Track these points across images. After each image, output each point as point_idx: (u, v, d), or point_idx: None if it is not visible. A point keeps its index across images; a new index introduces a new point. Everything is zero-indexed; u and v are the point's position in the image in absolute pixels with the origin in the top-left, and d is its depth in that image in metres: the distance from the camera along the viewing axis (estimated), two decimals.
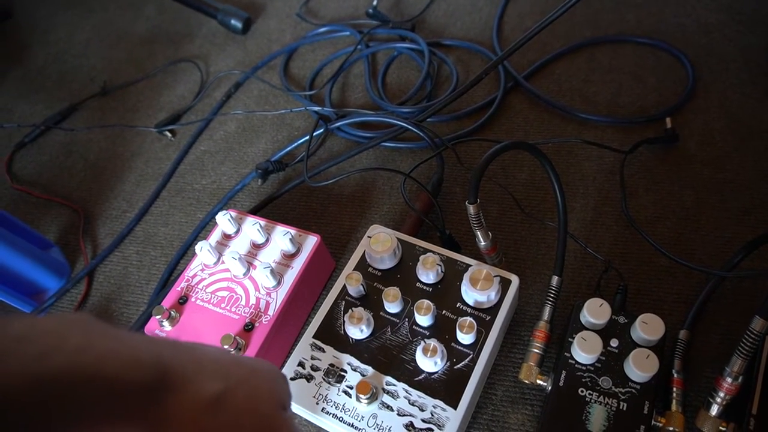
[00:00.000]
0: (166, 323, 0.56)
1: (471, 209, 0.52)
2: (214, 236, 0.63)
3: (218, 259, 0.61)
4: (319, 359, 0.52)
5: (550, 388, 0.49)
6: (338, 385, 0.50)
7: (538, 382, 0.50)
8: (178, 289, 0.59)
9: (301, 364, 0.52)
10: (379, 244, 0.55)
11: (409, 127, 0.69)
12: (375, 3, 0.95)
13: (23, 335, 0.22)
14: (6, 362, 0.21)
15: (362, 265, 0.57)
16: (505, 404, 0.53)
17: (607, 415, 0.45)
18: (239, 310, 0.57)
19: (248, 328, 0.55)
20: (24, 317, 0.25)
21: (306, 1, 1.06)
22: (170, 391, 0.26)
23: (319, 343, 0.53)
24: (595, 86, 0.78)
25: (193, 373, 0.27)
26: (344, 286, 0.56)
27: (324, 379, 0.50)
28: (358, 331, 0.51)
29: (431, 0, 0.98)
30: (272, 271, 0.56)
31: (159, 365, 0.26)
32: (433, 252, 0.56)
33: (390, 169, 0.70)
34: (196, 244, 0.68)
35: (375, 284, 0.56)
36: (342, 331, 0.53)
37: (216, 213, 0.74)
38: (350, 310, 0.52)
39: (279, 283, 0.58)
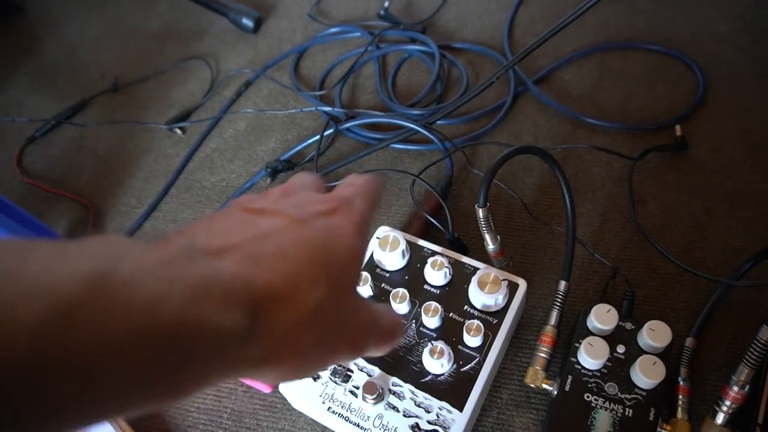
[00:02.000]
0: None
1: (480, 213, 0.52)
2: None
3: None
4: None
5: (555, 392, 0.49)
6: (345, 384, 0.50)
7: (544, 386, 0.50)
8: None
9: None
10: (388, 245, 0.56)
11: (420, 129, 0.70)
12: (386, 4, 0.95)
13: (132, 279, 0.20)
14: (120, 309, 0.20)
15: (370, 266, 0.57)
16: (510, 408, 0.53)
17: (612, 421, 0.46)
18: None
19: None
20: (127, 246, 0.22)
21: (317, 1, 1.06)
22: (265, 319, 0.24)
23: None
24: (605, 92, 0.78)
25: (288, 289, 0.25)
26: None
27: (330, 379, 0.51)
28: None
29: (442, 3, 0.98)
30: None
31: (253, 303, 0.24)
32: (442, 254, 0.57)
33: (399, 170, 0.70)
34: None
35: (383, 285, 0.56)
36: None
37: None
38: None
39: None
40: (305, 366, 0.27)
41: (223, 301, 0.23)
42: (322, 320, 0.27)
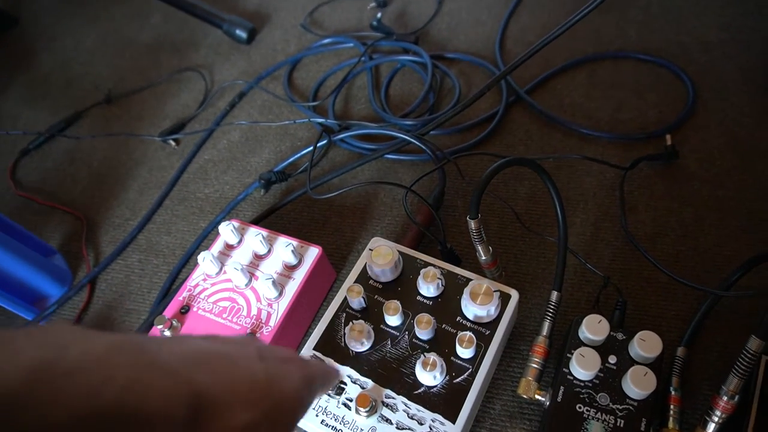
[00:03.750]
0: (167, 333, 0.57)
1: (472, 224, 0.52)
2: (217, 246, 0.64)
3: (220, 269, 0.61)
4: None
5: (548, 403, 0.49)
6: (338, 397, 0.50)
7: (537, 397, 0.50)
8: (180, 298, 0.60)
9: None
10: (381, 256, 0.56)
11: (412, 140, 0.70)
12: (379, 15, 0.96)
13: (75, 367, 0.22)
14: (57, 401, 0.21)
15: (363, 278, 0.58)
16: (503, 419, 0.54)
17: None
18: (241, 321, 0.57)
19: None
20: (75, 334, 0.24)
21: (310, 12, 1.07)
22: (203, 422, 0.26)
23: (319, 355, 0.53)
24: (596, 102, 0.79)
25: (226, 402, 0.28)
26: (345, 299, 0.56)
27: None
28: (358, 343, 0.52)
29: (435, 13, 0.99)
30: (274, 282, 0.57)
31: (196, 398, 0.26)
32: (434, 265, 0.57)
33: (392, 183, 0.70)
34: (198, 253, 0.69)
35: (376, 297, 0.56)
36: (342, 344, 0.53)
37: (218, 222, 0.75)
38: (351, 323, 0.52)
39: (280, 294, 0.58)
40: None
41: (164, 390, 0.25)
42: None
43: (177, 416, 0.25)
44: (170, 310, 0.59)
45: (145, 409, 0.24)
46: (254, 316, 0.57)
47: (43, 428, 0.21)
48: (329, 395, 0.50)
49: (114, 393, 0.23)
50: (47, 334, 0.24)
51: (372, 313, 0.55)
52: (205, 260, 0.60)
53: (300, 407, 0.33)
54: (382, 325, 0.54)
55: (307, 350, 0.53)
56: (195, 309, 0.59)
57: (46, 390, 0.21)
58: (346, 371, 0.52)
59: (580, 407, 0.47)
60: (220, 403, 0.27)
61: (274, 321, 0.56)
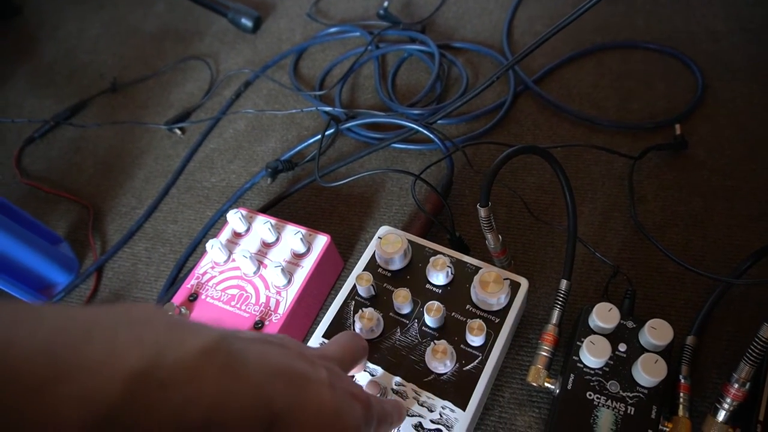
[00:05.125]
0: None
1: (482, 212, 0.52)
2: (225, 234, 0.64)
3: (229, 257, 0.61)
4: None
5: (557, 391, 0.49)
6: None
7: (546, 385, 0.50)
8: (189, 286, 0.60)
9: None
10: (390, 245, 0.56)
11: (421, 129, 0.70)
12: (386, 4, 0.95)
13: (169, 379, 0.22)
14: (150, 419, 0.21)
15: (372, 266, 0.58)
16: (512, 406, 0.54)
17: (614, 419, 0.46)
18: (249, 308, 0.57)
19: (258, 326, 0.55)
20: (172, 333, 0.24)
21: (316, 1, 1.06)
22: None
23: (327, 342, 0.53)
24: (604, 91, 0.79)
25: (296, 426, 0.29)
26: (354, 286, 0.56)
27: None
28: (367, 331, 0.52)
29: (442, 2, 0.99)
30: (283, 270, 0.57)
31: (272, 418, 0.27)
32: (443, 254, 0.57)
33: (401, 171, 0.70)
34: (205, 241, 0.69)
35: (385, 285, 0.56)
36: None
37: (225, 211, 0.75)
38: (360, 311, 0.52)
39: (289, 282, 0.58)
40: None
41: (246, 408, 0.25)
42: None
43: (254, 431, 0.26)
44: (179, 298, 0.59)
45: (226, 426, 0.24)
46: (263, 304, 0.57)
47: None
48: None
49: (200, 411, 0.23)
50: (146, 328, 0.24)
51: (381, 301, 0.55)
52: (214, 248, 0.60)
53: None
54: (391, 313, 0.54)
55: (317, 338, 0.53)
56: (203, 297, 0.59)
57: (141, 406, 0.21)
58: None
59: (590, 395, 0.47)
60: (295, 426, 0.28)
61: (283, 309, 0.56)
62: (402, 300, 0.53)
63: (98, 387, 0.20)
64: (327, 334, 0.54)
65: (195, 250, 0.72)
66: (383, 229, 0.59)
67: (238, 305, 0.57)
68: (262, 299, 0.57)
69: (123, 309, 0.25)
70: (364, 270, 0.57)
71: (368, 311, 0.52)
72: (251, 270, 0.59)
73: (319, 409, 0.30)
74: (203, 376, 0.24)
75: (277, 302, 0.57)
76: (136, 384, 0.21)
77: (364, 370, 0.51)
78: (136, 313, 0.24)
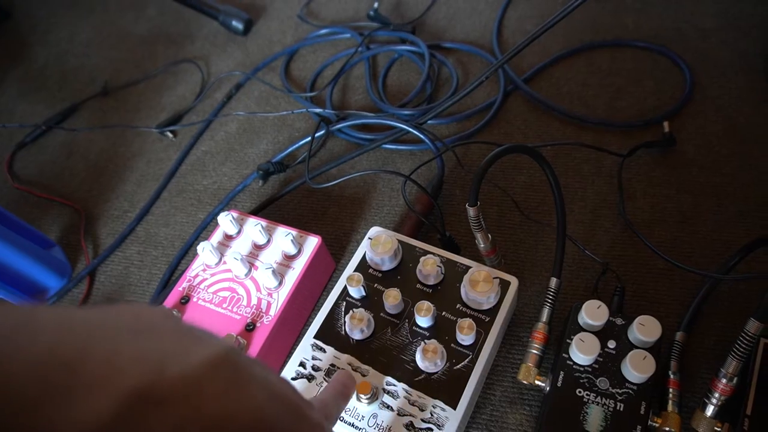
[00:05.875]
0: None
1: (471, 212, 0.52)
2: (216, 237, 0.64)
3: (220, 259, 0.61)
4: (320, 359, 0.52)
5: (548, 388, 0.49)
6: None
7: (537, 382, 0.50)
8: (180, 289, 0.60)
9: (302, 365, 0.52)
10: (380, 245, 0.56)
11: (411, 129, 0.70)
12: (376, 5, 0.96)
13: (168, 395, 0.21)
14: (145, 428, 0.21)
15: (363, 267, 0.58)
16: (503, 404, 0.54)
17: (604, 416, 0.46)
18: (241, 310, 0.57)
19: (250, 328, 0.56)
20: (179, 342, 0.24)
21: (307, 2, 1.06)
22: None
23: (320, 343, 0.53)
24: (593, 90, 0.79)
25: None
26: (345, 287, 0.56)
27: (325, 380, 0.51)
28: (358, 331, 0.52)
29: (432, 3, 0.99)
30: (274, 272, 0.57)
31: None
32: (434, 254, 0.57)
33: (391, 172, 0.70)
34: (197, 244, 0.69)
35: (375, 285, 0.56)
36: (343, 332, 0.54)
37: (217, 213, 0.75)
38: (351, 311, 0.52)
39: (280, 283, 0.58)
40: None
41: (242, 428, 0.24)
42: None
43: None
44: (170, 301, 0.59)
45: None
46: (254, 306, 0.57)
47: None
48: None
49: (197, 427, 0.22)
50: (151, 338, 0.23)
51: (372, 302, 0.55)
52: (205, 250, 0.60)
53: None
54: (382, 314, 0.54)
55: (308, 339, 0.54)
56: (195, 299, 0.59)
57: (135, 425, 0.20)
58: (347, 359, 0.52)
59: (580, 392, 0.48)
60: None
61: (275, 310, 0.57)
62: (392, 300, 0.53)
63: (93, 408, 0.19)
64: (318, 335, 0.54)
65: (187, 253, 0.72)
66: (374, 230, 0.60)
67: (229, 307, 0.58)
68: (254, 301, 0.58)
69: (130, 315, 0.24)
70: (354, 271, 0.57)
71: (359, 312, 0.52)
72: (242, 272, 0.59)
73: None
74: (205, 393, 0.23)
75: (269, 304, 0.57)
76: (132, 403, 0.20)
77: (355, 371, 0.51)
78: (143, 319, 0.24)
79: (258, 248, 0.62)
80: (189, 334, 0.25)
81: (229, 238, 0.63)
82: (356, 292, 0.55)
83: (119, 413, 0.20)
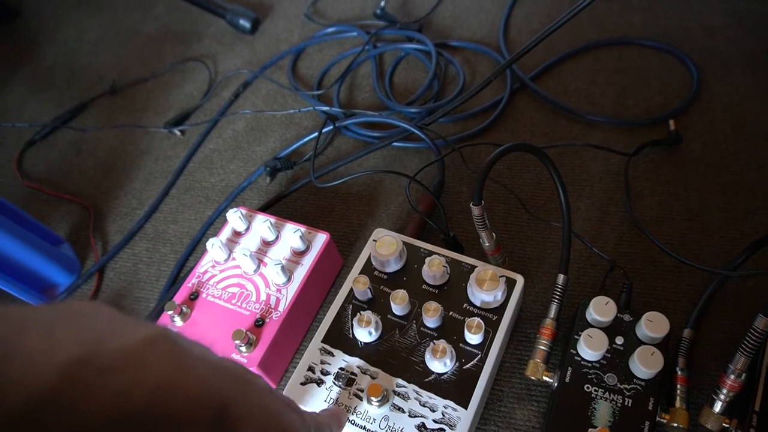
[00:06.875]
0: (177, 318, 0.57)
1: (475, 211, 0.52)
2: (225, 233, 0.64)
3: (229, 255, 0.62)
4: (328, 363, 0.52)
5: (556, 384, 0.49)
6: (349, 388, 0.50)
7: (545, 378, 0.50)
8: (189, 285, 0.60)
9: (311, 369, 0.52)
10: (385, 247, 0.56)
11: (413, 130, 0.70)
12: (382, 4, 0.96)
13: (110, 365, 0.22)
14: (89, 404, 0.21)
15: (368, 269, 0.58)
16: (511, 401, 0.54)
17: (612, 411, 0.46)
18: (250, 306, 0.57)
19: (259, 323, 0.56)
20: (113, 323, 0.24)
21: (314, 1, 1.07)
22: (232, 425, 0.27)
23: (328, 347, 0.53)
24: (600, 88, 0.79)
25: (247, 419, 0.29)
26: (351, 290, 0.56)
27: (334, 383, 0.51)
28: (366, 334, 0.52)
29: (438, 1, 0.99)
30: (283, 268, 0.57)
31: (222, 409, 0.27)
32: (439, 254, 0.57)
33: (395, 172, 0.70)
34: (205, 240, 0.69)
35: (381, 287, 0.56)
36: (350, 335, 0.53)
37: (224, 210, 0.75)
38: (358, 314, 0.52)
39: (289, 279, 0.59)
40: None
41: (193, 395, 0.25)
42: None
43: (204, 422, 0.25)
44: (180, 297, 0.59)
45: (173, 412, 0.24)
46: (263, 302, 0.57)
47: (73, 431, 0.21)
48: (340, 386, 0.50)
49: (144, 396, 0.23)
50: (86, 322, 0.24)
51: (379, 304, 0.55)
52: (214, 247, 0.60)
53: None
54: (389, 315, 0.54)
55: (316, 343, 0.53)
56: (204, 295, 0.59)
57: (80, 390, 0.21)
58: (356, 362, 0.52)
59: (588, 387, 0.48)
60: (243, 419, 0.28)
61: (283, 306, 0.57)
62: (399, 301, 0.53)
63: (35, 372, 0.20)
64: (326, 339, 0.54)
65: (195, 249, 0.73)
66: (378, 232, 0.60)
67: (238, 303, 0.58)
68: (263, 297, 0.58)
69: (64, 305, 0.25)
70: (360, 273, 0.57)
71: (366, 314, 0.52)
72: (251, 268, 0.60)
73: (264, 411, 0.31)
74: (146, 362, 0.24)
75: (278, 300, 0.58)
76: (75, 369, 0.21)
77: (365, 373, 0.51)
78: (77, 308, 0.24)
79: (267, 245, 0.62)
80: (124, 319, 0.25)
81: (237, 234, 0.64)
82: (362, 294, 0.55)
83: (63, 378, 0.21)
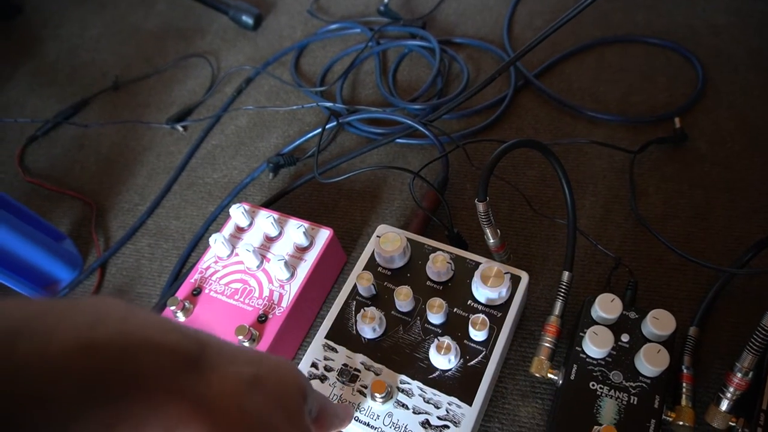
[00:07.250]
0: (180, 314, 0.57)
1: (480, 207, 0.52)
2: (228, 229, 0.64)
3: (232, 251, 0.61)
4: (332, 359, 0.52)
5: (560, 381, 0.49)
6: (352, 385, 0.50)
7: (549, 375, 0.50)
8: (192, 280, 0.60)
9: (314, 365, 0.52)
10: (389, 243, 0.56)
11: (417, 126, 0.70)
12: (386, 1, 0.95)
13: (68, 309, 0.23)
14: (60, 330, 0.22)
15: (372, 265, 0.57)
16: (516, 398, 0.54)
17: (617, 409, 0.46)
18: (253, 302, 0.57)
19: (262, 319, 0.56)
20: (59, 300, 0.26)
21: None
22: (211, 367, 0.26)
23: (331, 343, 0.53)
24: (605, 85, 0.79)
25: (229, 354, 0.28)
26: (355, 286, 0.56)
27: (338, 380, 0.51)
28: (370, 330, 0.51)
29: None
30: (286, 264, 0.57)
31: (199, 340, 0.27)
32: (443, 250, 0.57)
33: (399, 168, 0.70)
34: (207, 236, 0.69)
35: (385, 284, 0.56)
36: (354, 331, 0.53)
37: (227, 206, 0.75)
38: (362, 310, 0.52)
39: (292, 275, 0.58)
40: None
41: (171, 332, 0.26)
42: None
43: (186, 350, 0.26)
44: (182, 292, 0.59)
45: (151, 338, 0.24)
46: (266, 298, 0.57)
47: (42, 357, 0.21)
48: (344, 383, 0.50)
49: (114, 324, 0.23)
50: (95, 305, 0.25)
51: (383, 300, 0.55)
52: (217, 242, 0.60)
53: (301, 373, 0.34)
54: (393, 312, 0.54)
55: (319, 339, 0.53)
56: (207, 291, 0.59)
57: (43, 321, 0.22)
58: (360, 358, 0.52)
59: (593, 385, 0.48)
60: (225, 354, 0.28)
61: (287, 302, 0.57)
62: (404, 298, 0.52)
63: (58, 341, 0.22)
64: (330, 335, 0.53)
65: (197, 245, 0.72)
66: (381, 228, 0.59)
67: (241, 299, 0.58)
68: (266, 293, 0.58)
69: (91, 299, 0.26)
70: (364, 269, 0.57)
71: (370, 310, 0.52)
72: (254, 264, 0.59)
73: (249, 357, 0.31)
74: (105, 309, 0.25)
75: (281, 296, 0.57)
76: (41, 309, 0.23)
77: (368, 370, 0.51)
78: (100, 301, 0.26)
79: (270, 240, 0.62)
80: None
81: (240, 230, 0.63)
82: (366, 290, 0.55)
83: (24, 317, 0.22)
